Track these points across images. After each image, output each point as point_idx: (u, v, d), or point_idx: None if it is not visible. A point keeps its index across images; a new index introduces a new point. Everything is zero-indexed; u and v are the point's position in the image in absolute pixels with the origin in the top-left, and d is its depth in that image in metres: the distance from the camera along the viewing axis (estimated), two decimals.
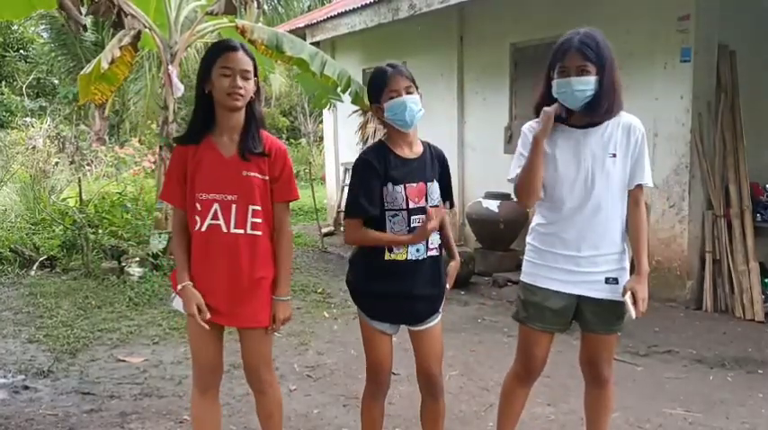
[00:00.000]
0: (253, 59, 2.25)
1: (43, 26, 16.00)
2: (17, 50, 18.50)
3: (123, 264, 6.35)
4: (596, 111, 2.22)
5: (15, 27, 17.47)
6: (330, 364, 4.12)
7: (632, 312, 2.26)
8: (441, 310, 2.48)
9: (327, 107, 7.85)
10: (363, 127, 8.32)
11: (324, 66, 6.35)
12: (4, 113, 15.80)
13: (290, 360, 4.17)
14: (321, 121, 13.11)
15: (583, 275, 2.30)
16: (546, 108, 2.27)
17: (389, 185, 2.30)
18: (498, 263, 6.45)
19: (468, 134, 7.72)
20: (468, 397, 3.58)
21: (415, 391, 2.59)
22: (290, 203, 2.40)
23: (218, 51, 2.23)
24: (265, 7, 14.62)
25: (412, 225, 2.31)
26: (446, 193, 2.49)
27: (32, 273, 6.53)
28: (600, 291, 2.31)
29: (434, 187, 2.38)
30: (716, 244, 5.34)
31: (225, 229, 2.25)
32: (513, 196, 2.46)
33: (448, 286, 2.47)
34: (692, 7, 5.19)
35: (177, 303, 2.35)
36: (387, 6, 7.52)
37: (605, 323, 2.35)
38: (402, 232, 2.31)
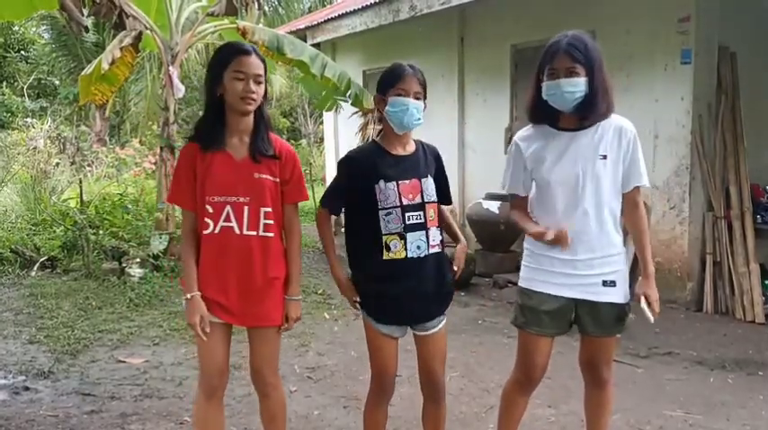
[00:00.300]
0: (264, 63, 2.27)
1: (44, 27, 16.02)
2: (18, 51, 18.53)
3: (124, 265, 6.35)
4: (587, 112, 2.22)
5: (16, 28, 17.50)
6: (330, 366, 4.12)
7: (650, 316, 2.28)
8: (446, 313, 2.47)
9: (335, 109, 7.83)
10: (364, 128, 8.31)
11: (324, 68, 6.35)
12: (4, 114, 15.81)
13: (291, 361, 4.17)
14: (321, 122, 13.12)
15: (579, 278, 2.29)
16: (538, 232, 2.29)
17: (381, 183, 2.30)
18: (499, 264, 6.45)
19: (469, 135, 7.72)
20: (468, 398, 3.58)
21: (416, 393, 2.59)
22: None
23: (231, 55, 2.22)
24: (266, 8, 14.64)
25: (407, 222, 2.30)
26: (443, 191, 2.49)
27: (33, 273, 6.54)
28: (597, 295, 2.30)
29: (429, 183, 2.37)
30: (716, 245, 5.34)
31: (238, 231, 2.26)
32: (503, 190, 2.49)
33: (456, 268, 2.45)
34: (693, 9, 5.19)
35: None
36: (387, 8, 7.53)
37: (603, 326, 2.35)
38: (398, 230, 2.30)
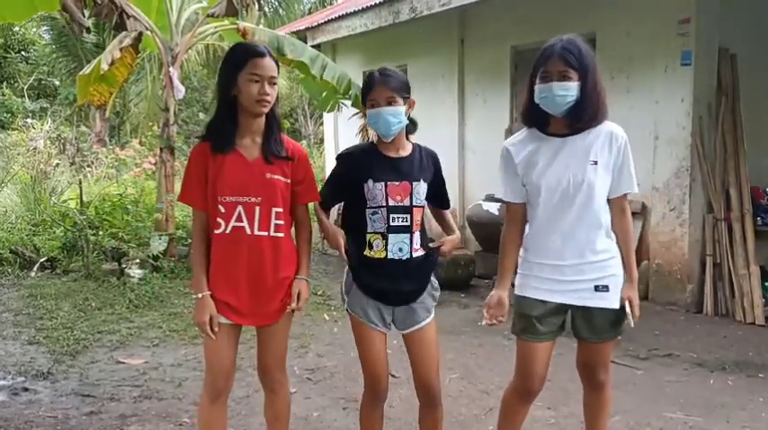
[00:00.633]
0: (277, 64, 2.28)
1: (45, 27, 16.02)
2: (18, 52, 18.53)
3: (123, 266, 6.36)
4: (578, 118, 2.21)
5: (17, 28, 17.50)
6: (330, 367, 4.12)
7: (632, 321, 2.28)
8: (433, 312, 2.47)
9: (336, 109, 7.82)
10: (364, 130, 8.32)
11: (324, 69, 6.35)
12: (5, 114, 15.80)
13: (290, 362, 4.14)
14: (321, 123, 13.12)
15: (569, 284, 2.28)
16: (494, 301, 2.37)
17: (370, 182, 2.32)
18: (498, 265, 6.43)
19: (469, 136, 7.72)
20: (468, 400, 3.57)
21: (414, 395, 2.59)
22: None
23: (247, 57, 2.22)
24: (266, 9, 14.64)
25: (391, 223, 2.32)
26: (440, 196, 2.48)
27: (33, 274, 6.54)
28: (588, 300, 2.29)
29: (420, 187, 2.37)
30: (716, 247, 5.34)
31: (249, 231, 2.27)
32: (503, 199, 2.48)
33: (443, 248, 2.45)
34: (693, 10, 5.20)
35: None
36: (388, 9, 7.53)
37: (597, 331, 2.33)
38: (381, 230, 2.33)
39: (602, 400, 2.50)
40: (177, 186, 6.16)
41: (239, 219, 2.26)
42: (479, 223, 6.66)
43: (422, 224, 2.41)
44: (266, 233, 2.29)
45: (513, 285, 2.44)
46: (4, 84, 17.30)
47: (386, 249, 2.33)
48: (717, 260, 5.33)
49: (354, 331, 2.46)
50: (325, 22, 9.13)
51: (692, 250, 5.39)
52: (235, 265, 2.28)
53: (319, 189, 2.47)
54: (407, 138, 2.46)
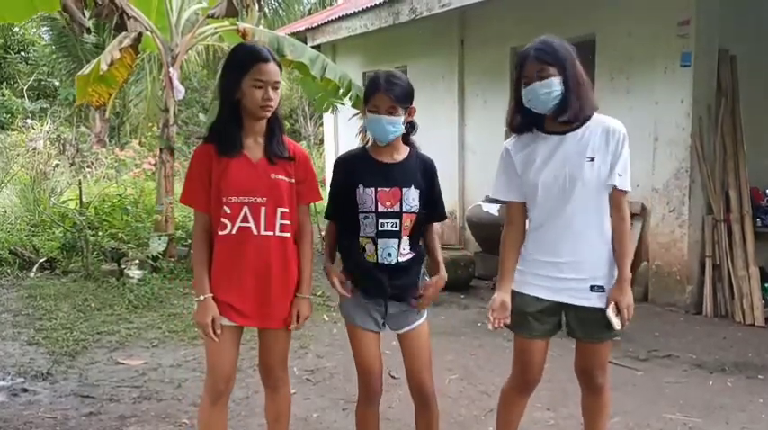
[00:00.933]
0: (280, 67, 2.29)
1: (45, 28, 16.01)
2: (18, 52, 18.52)
3: (123, 267, 6.35)
4: (566, 110, 2.21)
5: (17, 29, 17.49)
6: (330, 368, 4.12)
7: (615, 323, 2.24)
8: (425, 313, 2.47)
9: (331, 110, 7.85)
10: (364, 131, 8.30)
11: (324, 69, 6.35)
12: (4, 115, 15.79)
13: (290, 363, 4.09)
14: (321, 124, 13.13)
15: (566, 282, 2.28)
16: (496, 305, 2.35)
17: (360, 188, 2.34)
18: (498, 267, 6.43)
19: (469, 137, 7.73)
20: (467, 401, 3.57)
21: None
22: None
23: (251, 62, 2.22)
24: (266, 10, 14.64)
25: (380, 229, 2.34)
26: (432, 205, 2.44)
27: (32, 274, 6.53)
28: (584, 300, 2.28)
29: (411, 194, 2.36)
30: (716, 248, 5.34)
31: (255, 232, 2.27)
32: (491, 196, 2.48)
33: (426, 294, 2.41)
34: (693, 12, 5.20)
35: None
36: (388, 10, 7.54)
37: (592, 332, 2.33)
38: (372, 234, 2.35)
39: (600, 403, 2.50)
40: (177, 187, 6.17)
41: (245, 219, 2.26)
42: (479, 224, 6.66)
43: (412, 229, 2.39)
44: (272, 233, 2.30)
45: None
46: (4, 84, 17.29)
47: (376, 253, 2.35)
48: (716, 261, 5.33)
49: (348, 331, 2.49)
50: (325, 23, 9.14)
51: (691, 251, 5.39)
52: (241, 266, 2.28)
53: (319, 189, 2.47)
54: (408, 140, 2.46)
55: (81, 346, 4.45)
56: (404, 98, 2.31)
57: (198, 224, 2.35)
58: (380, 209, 2.33)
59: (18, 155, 10.85)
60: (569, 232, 2.27)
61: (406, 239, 2.38)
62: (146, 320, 5.10)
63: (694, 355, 4.35)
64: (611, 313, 2.24)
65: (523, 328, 2.37)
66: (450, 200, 7.27)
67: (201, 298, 2.27)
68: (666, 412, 3.43)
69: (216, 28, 6.94)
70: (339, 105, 7.53)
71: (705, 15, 5.23)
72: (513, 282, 2.40)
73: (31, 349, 4.42)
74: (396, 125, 2.32)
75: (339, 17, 8.69)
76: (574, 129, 2.26)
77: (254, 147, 2.31)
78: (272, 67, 2.23)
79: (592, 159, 2.23)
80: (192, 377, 3.89)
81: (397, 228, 2.35)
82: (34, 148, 10.92)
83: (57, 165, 10.60)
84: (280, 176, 2.31)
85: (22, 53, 18.61)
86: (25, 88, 17.63)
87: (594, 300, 2.28)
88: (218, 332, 2.27)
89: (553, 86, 2.19)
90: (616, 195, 2.29)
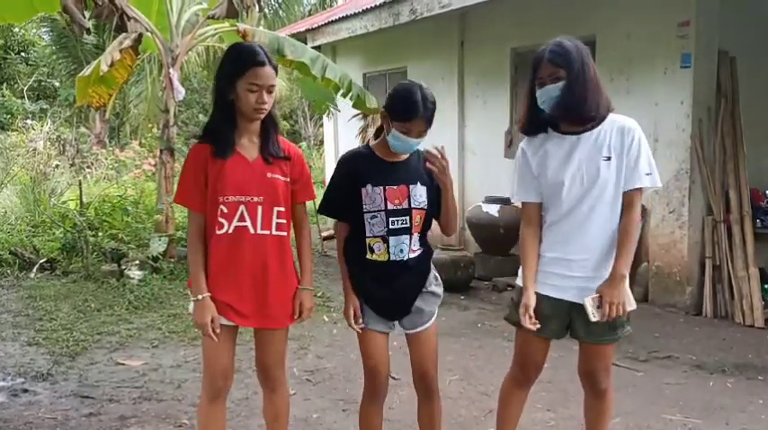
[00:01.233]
0: (276, 69, 2.28)
1: (45, 29, 16.02)
2: (18, 53, 18.53)
3: (123, 267, 6.35)
4: (575, 112, 2.22)
5: (17, 29, 17.49)
6: (330, 369, 4.12)
7: (591, 314, 2.20)
8: (436, 313, 2.50)
9: (326, 113, 7.87)
10: (364, 131, 8.33)
11: (325, 70, 6.36)
12: (4, 116, 15.80)
13: (290, 364, 4.15)
14: (321, 125, 13.14)
15: (574, 280, 2.28)
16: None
17: (368, 187, 2.34)
18: (498, 267, 6.45)
19: (469, 137, 7.73)
20: (467, 402, 3.57)
21: (414, 396, 2.59)
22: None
23: (247, 65, 2.21)
24: (266, 11, 14.64)
25: (390, 227, 2.34)
26: (438, 202, 2.43)
27: (32, 275, 6.53)
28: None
29: (418, 190, 2.38)
30: (716, 249, 5.34)
31: (252, 231, 2.28)
32: (513, 202, 2.48)
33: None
34: (693, 13, 5.20)
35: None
36: (388, 11, 7.54)
37: (595, 333, 2.32)
38: (382, 233, 2.34)
39: (603, 406, 2.49)
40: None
41: (242, 218, 2.27)
42: (479, 225, 6.66)
43: (422, 226, 2.41)
44: (269, 232, 2.30)
45: (511, 287, 2.43)
46: (4, 85, 17.29)
47: (388, 252, 2.36)
48: (716, 262, 5.33)
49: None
50: (325, 24, 9.14)
51: (691, 252, 5.39)
52: (238, 265, 2.29)
53: (314, 188, 2.47)
54: None
55: (81, 347, 4.45)
56: (433, 119, 2.34)
57: (192, 224, 2.35)
58: (390, 206, 2.34)
59: (18, 155, 10.85)
60: (582, 231, 2.28)
61: (416, 236, 2.39)
62: (146, 321, 5.09)
63: (694, 356, 4.35)
64: (588, 302, 2.21)
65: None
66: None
67: (199, 297, 2.27)
68: (666, 413, 3.43)
69: (216, 29, 6.94)
70: (341, 103, 7.53)
71: (705, 16, 5.23)
72: (520, 277, 2.40)
73: (32, 350, 4.42)
74: (419, 144, 2.36)
75: (339, 18, 8.70)
76: (589, 130, 2.26)
77: (249, 147, 2.32)
78: (267, 70, 2.22)
79: (608, 158, 2.24)
80: (192, 377, 3.89)
81: (408, 225, 2.36)
82: (34, 149, 10.93)
83: (57, 166, 10.61)
84: (276, 176, 2.32)
85: (23, 54, 18.61)
86: (25, 89, 17.63)
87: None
88: (218, 331, 2.27)
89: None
90: (633, 193, 2.27)
